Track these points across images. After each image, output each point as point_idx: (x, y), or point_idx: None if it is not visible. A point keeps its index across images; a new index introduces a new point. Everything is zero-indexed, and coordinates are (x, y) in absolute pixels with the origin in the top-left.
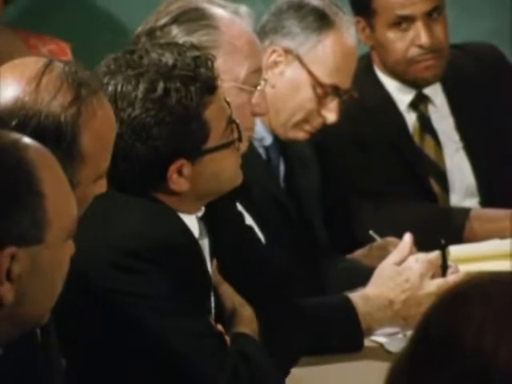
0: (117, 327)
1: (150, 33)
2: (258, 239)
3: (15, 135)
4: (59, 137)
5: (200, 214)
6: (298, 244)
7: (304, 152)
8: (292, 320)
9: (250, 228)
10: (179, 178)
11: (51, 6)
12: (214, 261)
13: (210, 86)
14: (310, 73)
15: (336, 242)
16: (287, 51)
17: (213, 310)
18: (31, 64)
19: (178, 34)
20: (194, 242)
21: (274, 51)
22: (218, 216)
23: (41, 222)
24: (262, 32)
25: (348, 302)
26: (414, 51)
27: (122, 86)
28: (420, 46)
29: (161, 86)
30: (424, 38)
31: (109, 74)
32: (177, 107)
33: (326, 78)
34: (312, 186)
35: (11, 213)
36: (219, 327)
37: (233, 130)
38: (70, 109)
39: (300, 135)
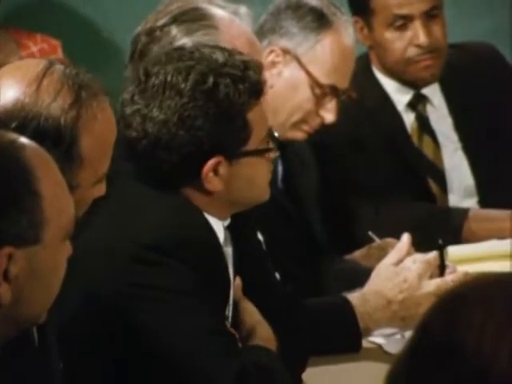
0: (127, 321)
1: (150, 32)
2: (269, 265)
3: (12, 135)
4: (59, 139)
5: (226, 223)
6: (296, 245)
7: (303, 152)
8: (295, 322)
9: (266, 257)
10: (214, 176)
11: (42, 3)
12: (237, 279)
13: (257, 90)
14: (308, 73)
15: (335, 242)
16: (285, 51)
17: (229, 320)
18: (32, 66)
19: (177, 33)
20: (216, 242)
21: (272, 51)
22: (240, 236)
23: (38, 222)
24: (260, 32)
25: (346, 302)
26: (412, 51)
27: (172, 76)
28: (418, 46)
29: (211, 79)
30: (422, 38)
31: (159, 64)
32: (224, 101)
33: (324, 78)
34: (311, 187)
35: (9, 212)
36: (232, 330)
37: (269, 142)
38: (69, 111)
39: (298, 135)
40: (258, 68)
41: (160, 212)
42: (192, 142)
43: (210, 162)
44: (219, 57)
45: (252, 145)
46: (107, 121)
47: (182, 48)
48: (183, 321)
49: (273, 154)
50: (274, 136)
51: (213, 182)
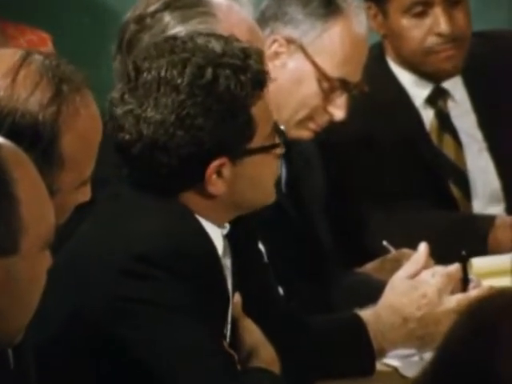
0: (115, 339)
1: (140, 20)
2: (271, 279)
3: None
4: (37, 138)
5: (225, 231)
6: (301, 256)
7: (309, 152)
8: (299, 342)
9: (267, 269)
10: (218, 179)
11: None
12: (237, 294)
13: (260, 80)
14: (314, 65)
15: (344, 253)
16: (289, 41)
17: (227, 339)
18: (7, 56)
19: (170, 21)
20: (214, 253)
21: (274, 41)
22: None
23: (16, 229)
24: (262, 19)
25: (358, 320)
26: (432, 40)
27: (166, 71)
28: (439, 35)
29: (209, 71)
30: (444, 26)
31: (149, 58)
32: (225, 95)
33: (332, 71)
34: (317, 191)
35: None
36: (230, 350)
37: (275, 137)
38: (49, 107)
39: (304, 134)
40: (259, 56)
41: (153, 219)
42: (192, 143)
43: (214, 164)
44: (215, 46)
45: (257, 142)
46: (91, 117)
47: (173, 38)
48: (176, 339)
49: (280, 150)
50: (280, 130)
51: (216, 185)
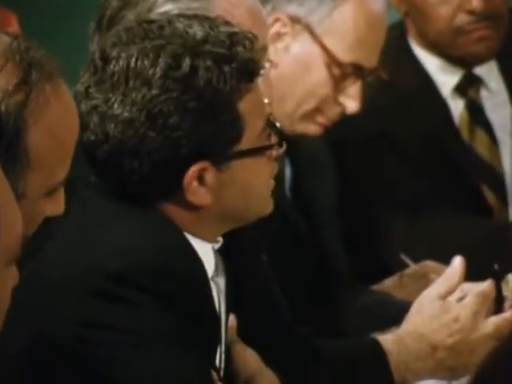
0: (81, 372)
1: None
2: (276, 297)
3: None
4: None
5: (217, 246)
6: (309, 271)
7: (318, 151)
8: (310, 372)
9: (273, 285)
10: (200, 187)
11: None
12: (232, 317)
13: (249, 70)
14: (323, 48)
15: (360, 268)
16: (294, 20)
17: (222, 370)
18: None
19: None
20: (200, 271)
21: (276, 19)
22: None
23: None
24: None
25: (377, 347)
26: (462, 18)
27: (136, 60)
28: (470, 12)
29: (186, 62)
30: (476, 1)
31: (119, 45)
32: (206, 90)
33: (344, 55)
34: (327, 196)
35: None
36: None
37: (270, 135)
38: (14, 95)
39: (311, 129)
40: (250, 42)
41: (129, 233)
42: (167, 146)
43: (192, 170)
44: (197, 31)
45: (246, 142)
46: (64, 110)
47: (148, 21)
48: (155, 372)
49: (276, 152)
50: (275, 126)
51: (198, 194)
